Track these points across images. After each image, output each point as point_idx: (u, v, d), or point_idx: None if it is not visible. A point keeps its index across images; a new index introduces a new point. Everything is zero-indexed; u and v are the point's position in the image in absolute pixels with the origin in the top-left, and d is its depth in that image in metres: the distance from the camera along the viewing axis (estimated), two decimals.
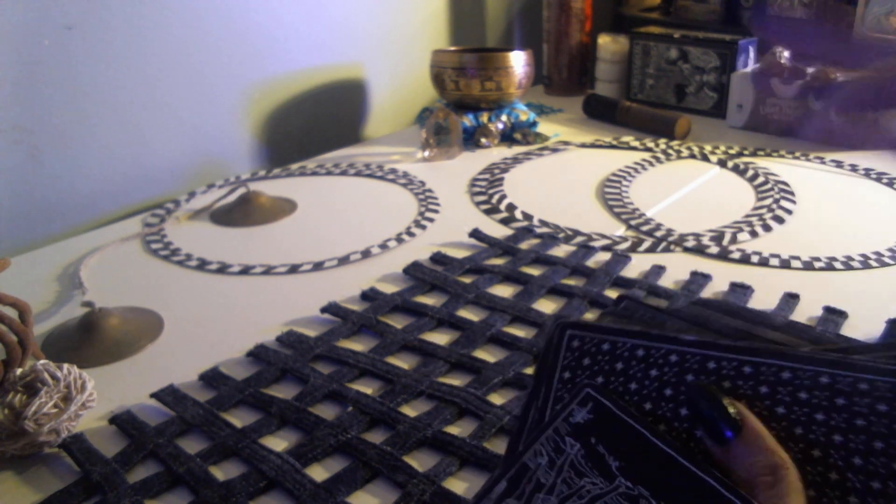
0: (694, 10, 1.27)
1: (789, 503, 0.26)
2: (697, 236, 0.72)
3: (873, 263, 0.66)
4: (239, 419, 0.48)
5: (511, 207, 0.80)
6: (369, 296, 0.61)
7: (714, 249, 0.69)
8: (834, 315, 0.56)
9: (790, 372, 0.30)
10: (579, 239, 0.72)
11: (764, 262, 0.66)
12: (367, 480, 0.43)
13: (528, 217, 0.78)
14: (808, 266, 0.66)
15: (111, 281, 0.68)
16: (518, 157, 0.97)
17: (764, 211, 0.78)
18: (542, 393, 0.33)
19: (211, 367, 0.53)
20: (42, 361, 0.48)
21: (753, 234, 0.72)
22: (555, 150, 0.99)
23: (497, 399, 0.49)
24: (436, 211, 0.80)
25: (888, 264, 0.66)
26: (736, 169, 0.90)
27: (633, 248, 0.70)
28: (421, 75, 1.18)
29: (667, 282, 0.63)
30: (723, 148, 0.97)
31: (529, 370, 0.52)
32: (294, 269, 0.68)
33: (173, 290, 0.66)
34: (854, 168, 0.90)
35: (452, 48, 1.13)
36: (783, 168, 0.90)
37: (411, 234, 0.74)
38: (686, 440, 0.30)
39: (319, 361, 0.54)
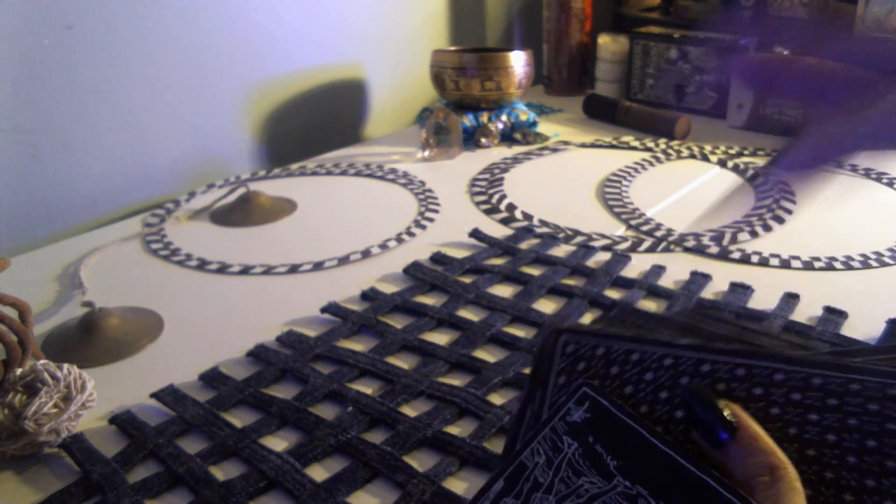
0: (694, 10, 1.27)
1: (789, 502, 0.26)
2: (697, 236, 0.72)
3: (873, 263, 0.66)
4: (239, 419, 0.48)
5: (511, 207, 0.80)
6: (369, 296, 0.61)
7: (714, 249, 0.69)
8: (834, 315, 0.56)
9: (783, 374, 0.30)
10: (579, 239, 0.72)
11: (764, 262, 0.66)
12: (367, 480, 0.43)
13: (528, 217, 0.78)
14: (808, 266, 0.66)
15: (111, 281, 0.68)
16: (518, 157, 0.97)
17: (764, 211, 0.78)
18: (537, 397, 0.33)
19: (211, 367, 0.53)
20: (42, 361, 0.48)
21: (753, 234, 0.72)
22: (555, 150, 0.99)
23: (497, 399, 0.49)
24: (436, 211, 0.80)
25: (888, 264, 0.66)
26: (736, 169, 0.90)
27: (633, 248, 0.70)
28: (421, 75, 1.18)
29: (667, 282, 0.63)
30: (723, 148, 0.97)
31: (529, 370, 0.52)
32: (294, 269, 0.68)
33: (173, 290, 0.66)
34: (854, 168, 0.90)
35: (452, 48, 1.13)
36: None
37: (411, 234, 0.74)
38: (682, 442, 0.30)
39: (319, 361, 0.54)
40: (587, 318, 0.58)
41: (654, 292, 0.61)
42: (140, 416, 0.48)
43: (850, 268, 0.65)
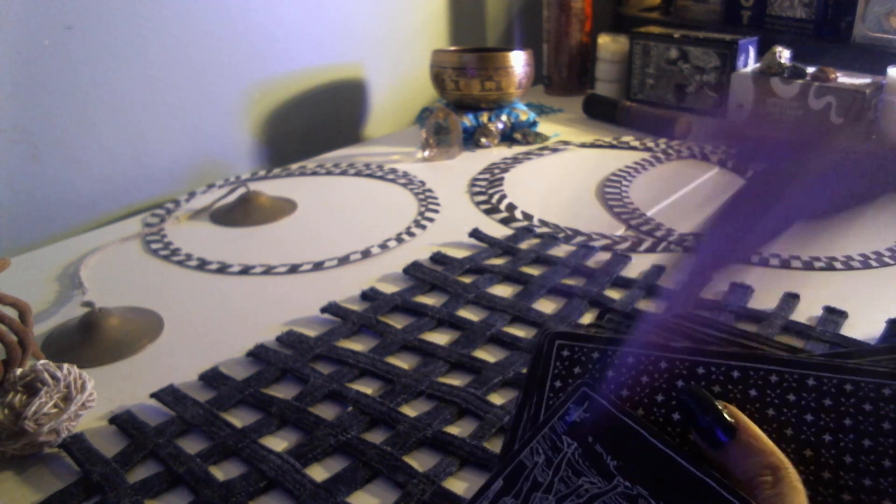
0: (694, 10, 1.27)
1: (792, 502, 0.26)
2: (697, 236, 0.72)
3: (873, 263, 0.66)
4: (239, 419, 0.48)
5: (511, 207, 0.80)
6: (369, 296, 0.61)
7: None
8: (834, 315, 0.56)
9: (777, 375, 0.30)
10: (579, 239, 0.72)
11: (764, 262, 0.66)
12: (367, 480, 0.43)
13: (528, 217, 0.78)
14: (808, 266, 0.66)
15: (111, 281, 0.68)
16: (518, 157, 0.97)
17: None
18: (533, 401, 0.33)
19: (211, 367, 0.53)
20: (42, 361, 0.48)
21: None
22: (555, 150, 0.99)
23: (497, 399, 0.49)
24: (436, 211, 0.80)
25: (888, 264, 0.66)
26: (736, 169, 0.90)
27: (633, 248, 0.70)
28: (421, 75, 1.18)
29: (667, 282, 0.63)
30: (723, 148, 0.97)
31: (525, 373, 0.52)
32: (294, 269, 0.68)
33: (173, 290, 0.66)
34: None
35: (452, 48, 1.13)
36: None
37: (411, 234, 0.74)
38: (681, 444, 0.30)
39: (319, 361, 0.54)
40: (587, 318, 0.58)
41: (654, 292, 0.61)
42: (140, 416, 0.48)
43: (850, 268, 0.65)
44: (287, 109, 1.03)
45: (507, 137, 1.04)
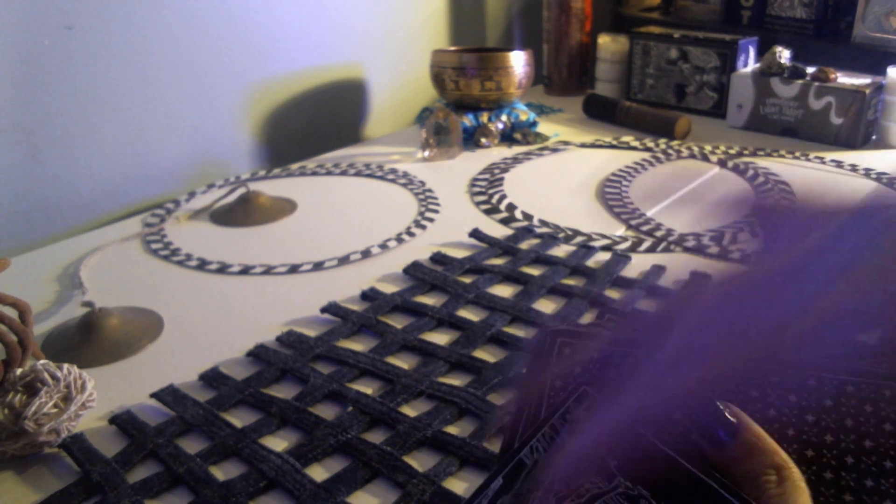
0: (694, 10, 1.27)
1: (796, 502, 0.26)
2: (697, 236, 0.72)
3: None
4: (239, 419, 0.48)
5: (511, 207, 0.80)
6: (369, 296, 0.61)
7: (714, 249, 0.69)
8: None
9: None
10: (579, 239, 0.72)
11: None
12: (367, 480, 0.43)
13: (528, 217, 0.78)
14: None
15: (111, 281, 0.68)
16: (518, 157, 0.97)
17: None
18: (534, 399, 0.33)
19: (211, 367, 0.53)
20: (42, 361, 0.48)
21: (754, 234, 0.72)
22: (555, 150, 0.99)
23: (497, 399, 0.49)
24: (436, 211, 0.80)
25: None
26: (736, 169, 0.90)
27: (633, 248, 0.70)
28: (421, 75, 1.18)
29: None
30: (723, 148, 0.97)
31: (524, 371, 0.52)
32: (294, 269, 0.68)
33: (173, 290, 0.66)
34: (854, 168, 0.90)
35: (452, 48, 1.13)
36: (783, 168, 0.90)
37: (411, 234, 0.74)
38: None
39: (319, 361, 0.54)
40: (587, 318, 0.58)
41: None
42: (140, 416, 0.48)
43: None
44: (287, 109, 1.03)
45: (507, 137, 1.04)
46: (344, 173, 0.93)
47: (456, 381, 0.51)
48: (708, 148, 0.97)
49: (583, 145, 1.01)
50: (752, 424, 0.29)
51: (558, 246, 0.70)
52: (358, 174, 0.93)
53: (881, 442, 0.28)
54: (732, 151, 0.96)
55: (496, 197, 0.83)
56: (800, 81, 0.98)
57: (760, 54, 1.08)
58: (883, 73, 0.96)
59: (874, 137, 0.99)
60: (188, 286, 0.66)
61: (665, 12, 1.35)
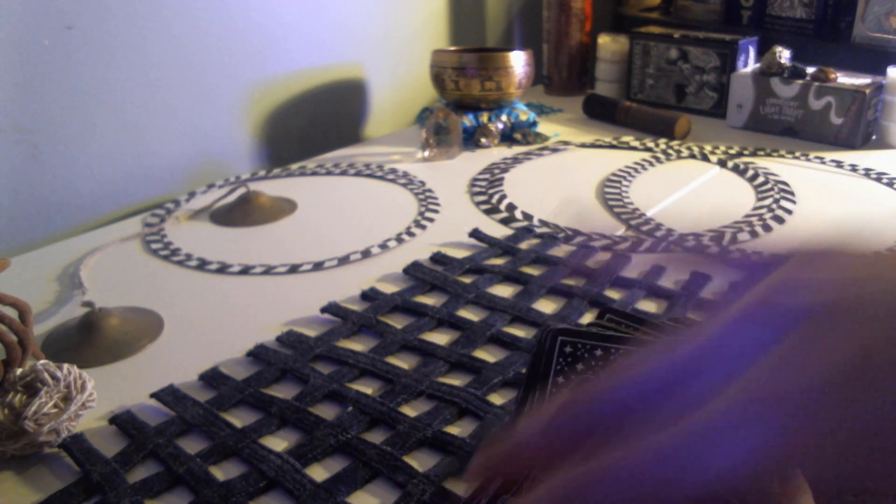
0: (694, 10, 1.27)
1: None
2: (697, 236, 0.72)
3: None
4: (239, 419, 0.48)
5: (511, 207, 0.80)
6: (369, 296, 0.61)
7: (714, 249, 0.69)
8: None
9: None
10: (579, 239, 0.72)
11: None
12: (367, 480, 0.43)
13: (528, 217, 0.78)
14: None
15: (111, 281, 0.68)
16: (518, 157, 0.97)
17: (764, 211, 0.78)
18: (535, 398, 0.33)
19: (211, 367, 0.53)
20: (42, 361, 0.48)
21: (753, 234, 0.72)
22: (555, 150, 0.99)
23: (497, 399, 0.49)
24: (436, 211, 0.80)
25: None
26: (736, 169, 0.90)
27: (633, 248, 0.70)
28: (421, 75, 1.18)
29: (667, 282, 0.63)
30: (723, 148, 0.97)
31: (525, 371, 0.52)
32: (294, 269, 0.68)
33: (173, 290, 0.66)
34: (854, 168, 0.90)
35: (452, 48, 1.13)
36: (783, 168, 0.90)
37: (411, 234, 0.74)
38: None
39: (319, 361, 0.54)
40: (587, 318, 0.58)
41: (654, 292, 0.61)
42: (140, 416, 0.48)
43: None
44: (287, 109, 1.03)
45: (507, 137, 1.04)
46: (344, 173, 0.93)
47: (456, 381, 0.51)
48: (708, 148, 0.97)
49: (583, 145, 1.01)
50: None
51: (558, 246, 0.70)
52: (358, 174, 0.93)
53: None
54: (732, 151, 0.96)
55: (496, 197, 0.83)
56: (800, 81, 0.98)
57: (760, 54, 1.08)
58: (883, 73, 0.96)
59: (874, 137, 0.99)
60: (188, 286, 0.66)
61: (665, 12, 1.35)
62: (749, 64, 1.09)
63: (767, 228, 0.73)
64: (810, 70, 0.99)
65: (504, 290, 0.63)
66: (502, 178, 0.89)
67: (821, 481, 0.20)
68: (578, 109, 1.14)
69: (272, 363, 0.53)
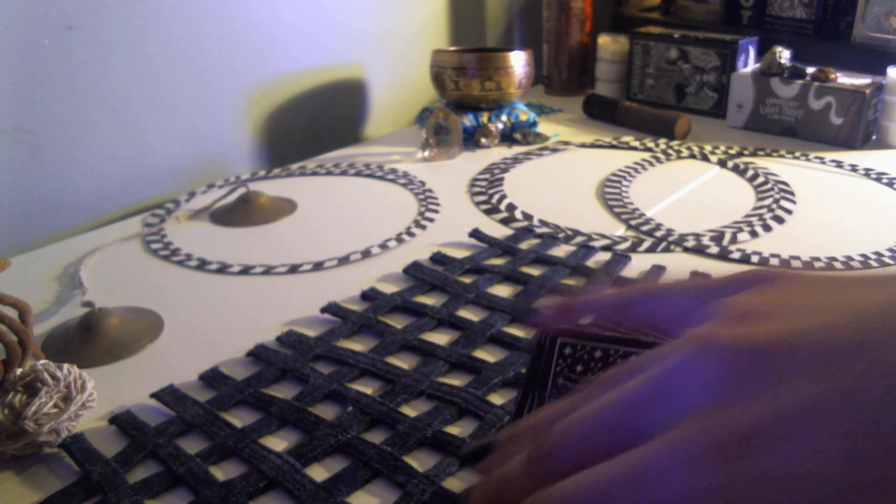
0: (694, 10, 1.27)
1: None
2: (697, 236, 0.72)
3: (873, 263, 0.66)
4: (239, 419, 0.48)
5: (511, 207, 0.80)
6: (369, 296, 0.61)
7: (714, 249, 0.69)
8: None
9: None
10: (579, 239, 0.72)
11: (764, 263, 0.66)
12: (367, 480, 0.43)
13: (528, 217, 0.78)
14: (809, 266, 0.66)
15: (111, 281, 0.68)
16: (518, 157, 0.97)
17: (764, 211, 0.78)
18: (535, 399, 0.33)
19: (211, 367, 0.53)
20: (42, 361, 0.48)
21: (753, 234, 0.72)
22: (555, 150, 0.99)
23: (497, 399, 0.49)
24: (436, 211, 0.80)
25: (888, 264, 0.66)
26: (736, 169, 0.90)
27: (633, 248, 0.70)
28: (421, 75, 1.18)
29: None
30: (723, 148, 0.97)
31: (525, 371, 0.52)
32: (294, 269, 0.68)
33: (173, 290, 0.66)
34: (854, 168, 0.90)
35: (452, 48, 1.13)
36: (783, 168, 0.90)
37: (411, 234, 0.74)
38: None
39: (319, 361, 0.54)
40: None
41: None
42: (140, 416, 0.48)
43: (850, 268, 0.65)
44: (287, 109, 1.03)
45: (507, 137, 1.04)
46: (344, 173, 0.93)
47: (456, 381, 0.51)
48: (708, 148, 0.97)
49: (583, 145, 1.01)
50: None
51: (558, 246, 0.70)
52: (358, 174, 0.93)
53: None
54: (732, 151, 0.96)
55: (496, 197, 0.83)
56: (800, 81, 0.98)
57: (760, 54, 1.08)
58: (883, 73, 0.96)
59: (874, 137, 0.99)
60: (188, 286, 0.66)
61: (665, 12, 1.35)
62: (749, 64, 1.09)
63: (767, 228, 0.73)
64: (810, 70, 0.99)
65: (504, 290, 0.63)
66: (502, 179, 0.89)
67: None
68: (578, 109, 1.14)
69: (272, 363, 0.53)
